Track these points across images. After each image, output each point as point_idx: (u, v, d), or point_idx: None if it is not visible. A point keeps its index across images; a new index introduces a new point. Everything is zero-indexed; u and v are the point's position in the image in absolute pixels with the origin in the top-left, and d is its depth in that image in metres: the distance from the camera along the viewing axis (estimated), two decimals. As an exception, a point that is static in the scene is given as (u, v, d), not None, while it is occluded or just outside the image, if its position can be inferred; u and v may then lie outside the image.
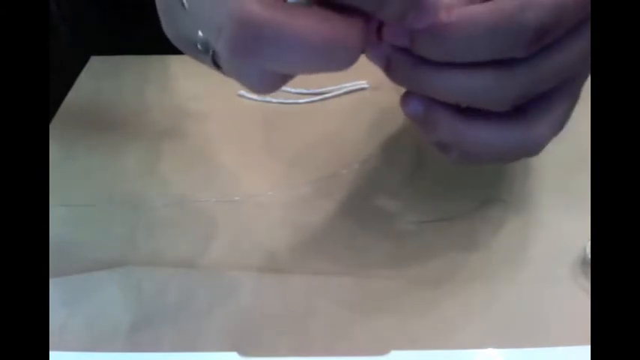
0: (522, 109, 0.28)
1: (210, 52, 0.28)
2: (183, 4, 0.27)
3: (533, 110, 0.29)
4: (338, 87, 0.46)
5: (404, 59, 0.27)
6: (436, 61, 0.27)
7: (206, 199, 0.37)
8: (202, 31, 0.27)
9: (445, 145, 0.30)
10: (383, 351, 0.29)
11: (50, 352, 0.27)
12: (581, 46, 0.28)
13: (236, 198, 0.37)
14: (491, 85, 0.27)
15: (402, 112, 0.29)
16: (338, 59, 0.24)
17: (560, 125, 0.29)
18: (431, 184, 0.38)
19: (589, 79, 0.30)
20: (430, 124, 0.29)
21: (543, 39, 0.26)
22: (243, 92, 0.45)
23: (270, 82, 0.26)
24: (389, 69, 0.28)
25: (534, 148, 0.29)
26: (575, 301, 0.31)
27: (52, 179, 0.38)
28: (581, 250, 0.33)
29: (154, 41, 0.35)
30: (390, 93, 0.45)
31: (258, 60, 0.24)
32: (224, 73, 0.27)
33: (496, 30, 0.25)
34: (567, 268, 0.33)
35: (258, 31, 0.22)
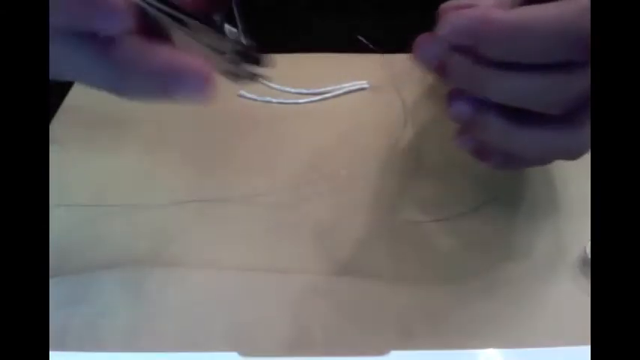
0: (570, 112, 0.28)
1: None
2: None
3: (580, 113, 0.28)
4: (338, 87, 0.46)
5: (461, 59, 0.27)
6: (496, 62, 0.26)
7: (206, 199, 0.37)
8: None
9: (486, 149, 0.30)
10: (383, 351, 0.29)
11: (50, 352, 0.27)
12: None
13: (236, 198, 0.37)
14: (549, 88, 0.27)
15: (448, 114, 0.28)
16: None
17: None
18: (431, 184, 0.38)
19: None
20: (479, 125, 0.28)
21: None
22: (243, 92, 0.45)
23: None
24: (442, 69, 0.28)
25: (581, 150, 0.29)
26: (575, 301, 0.31)
27: (52, 179, 0.38)
28: (581, 250, 0.33)
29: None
30: (390, 93, 0.45)
31: None
32: None
33: (559, 34, 0.25)
34: (567, 268, 0.33)
35: None
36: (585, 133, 0.28)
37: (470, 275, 0.33)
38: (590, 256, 0.32)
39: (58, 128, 0.43)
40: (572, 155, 0.29)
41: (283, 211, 0.37)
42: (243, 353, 0.29)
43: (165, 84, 0.26)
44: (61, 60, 0.26)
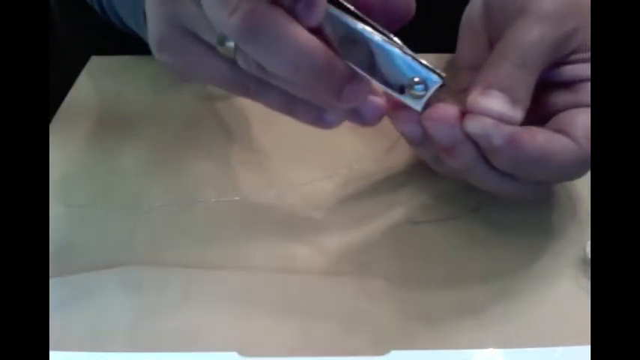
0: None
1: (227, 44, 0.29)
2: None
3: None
4: (338, 87, 0.46)
5: (470, 150, 0.30)
6: (498, 168, 0.31)
7: (206, 199, 0.37)
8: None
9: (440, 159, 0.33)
10: (383, 351, 0.29)
11: (50, 352, 0.27)
12: None
13: (236, 198, 0.37)
14: (528, 193, 0.33)
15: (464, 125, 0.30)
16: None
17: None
18: (431, 183, 0.38)
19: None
20: (453, 152, 0.31)
21: None
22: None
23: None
24: (450, 151, 0.31)
25: (537, 199, 0.35)
26: (575, 301, 0.31)
27: (52, 179, 0.38)
28: (581, 250, 0.33)
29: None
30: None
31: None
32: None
33: (568, 168, 0.30)
34: (567, 268, 0.33)
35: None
36: (542, 189, 0.34)
37: (470, 275, 0.33)
38: (590, 256, 0.32)
39: (58, 128, 0.43)
40: (526, 201, 0.34)
41: (283, 211, 0.37)
42: (243, 353, 0.29)
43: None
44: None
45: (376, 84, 0.28)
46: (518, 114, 0.30)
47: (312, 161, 0.40)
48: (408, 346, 0.29)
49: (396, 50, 0.28)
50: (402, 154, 0.40)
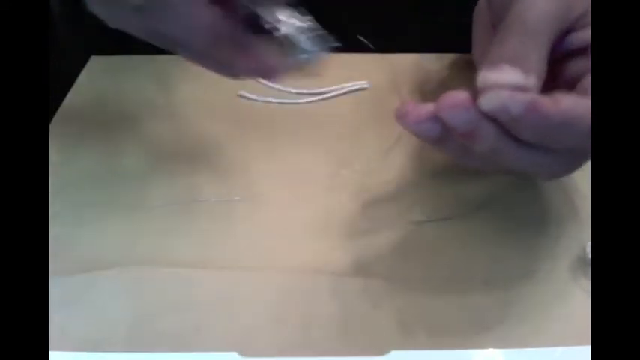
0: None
1: None
2: None
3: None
4: (338, 87, 0.46)
5: (491, 129, 0.29)
6: (521, 139, 0.29)
7: (206, 199, 0.37)
8: None
9: (465, 151, 0.31)
10: (383, 351, 0.29)
11: (50, 352, 0.27)
12: None
13: (236, 198, 0.37)
14: (562, 166, 0.31)
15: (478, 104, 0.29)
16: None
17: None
18: (432, 184, 0.38)
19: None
20: (474, 137, 0.30)
21: None
22: (243, 92, 0.45)
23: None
24: (471, 135, 0.29)
25: (563, 175, 0.33)
26: (575, 301, 0.31)
27: (52, 179, 0.38)
28: (581, 250, 0.33)
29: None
30: (390, 93, 0.45)
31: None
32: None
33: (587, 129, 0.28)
34: (567, 268, 0.33)
35: None
36: (577, 161, 0.32)
37: (470, 275, 0.33)
38: (590, 256, 0.32)
39: (58, 128, 0.43)
40: (555, 177, 0.33)
41: (283, 211, 0.37)
42: (243, 353, 0.29)
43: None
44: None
45: (274, 49, 0.32)
46: (531, 81, 0.29)
47: (312, 161, 0.40)
48: (408, 346, 0.29)
49: (291, 19, 0.31)
50: (403, 154, 0.40)
